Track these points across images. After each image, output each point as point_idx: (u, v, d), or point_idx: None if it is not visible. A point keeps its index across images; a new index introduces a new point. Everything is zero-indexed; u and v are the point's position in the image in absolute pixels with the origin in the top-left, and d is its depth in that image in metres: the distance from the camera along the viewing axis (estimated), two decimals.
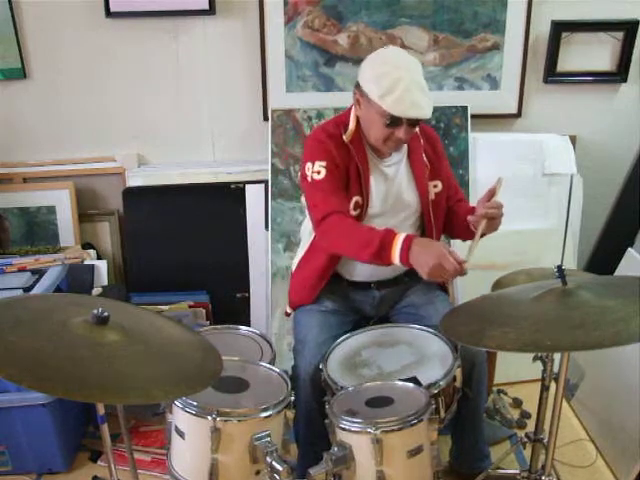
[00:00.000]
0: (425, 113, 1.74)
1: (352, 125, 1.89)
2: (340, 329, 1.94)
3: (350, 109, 1.92)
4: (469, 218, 1.83)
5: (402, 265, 1.70)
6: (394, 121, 1.76)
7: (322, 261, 1.95)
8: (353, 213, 1.88)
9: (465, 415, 1.92)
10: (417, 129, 1.93)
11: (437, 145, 2.02)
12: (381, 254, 1.70)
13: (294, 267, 2.11)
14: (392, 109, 1.73)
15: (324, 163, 1.85)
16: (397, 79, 1.71)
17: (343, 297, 2.02)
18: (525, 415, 2.46)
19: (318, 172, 1.85)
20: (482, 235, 1.81)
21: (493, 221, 1.82)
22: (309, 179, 1.87)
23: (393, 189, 1.94)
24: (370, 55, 1.85)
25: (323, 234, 1.85)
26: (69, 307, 1.42)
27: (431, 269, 1.63)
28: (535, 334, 1.35)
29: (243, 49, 2.63)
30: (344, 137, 1.88)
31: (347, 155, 1.87)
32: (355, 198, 1.87)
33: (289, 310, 2.11)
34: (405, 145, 1.95)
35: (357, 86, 1.83)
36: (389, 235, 1.71)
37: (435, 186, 1.98)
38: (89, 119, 2.71)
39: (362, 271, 1.98)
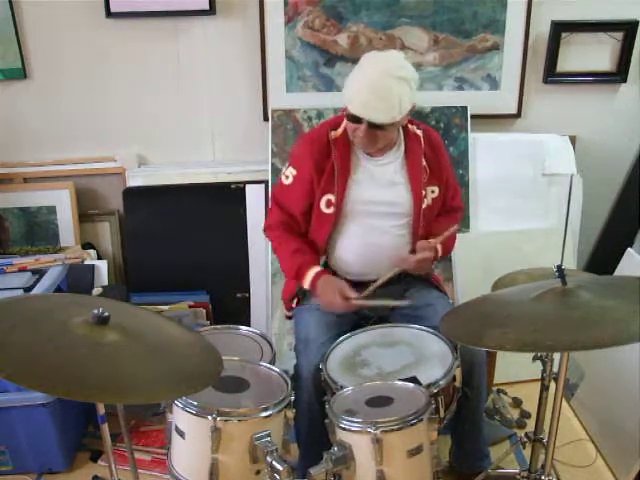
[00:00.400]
0: (374, 116, 1.77)
1: (343, 124, 1.92)
2: (340, 328, 1.94)
3: None
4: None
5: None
6: (352, 117, 1.81)
7: None
8: (326, 211, 1.92)
9: (465, 415, 1.92)
10: (420, 131, 1.95)
11: (439, 151, 2.01)
12: (296, 280, 1.97)
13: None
14: (347, 103, 1.80)
15: (295, 172, 1.96)
16: (360, 78, 1.79)
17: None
18: (525, 415, 2.47)
19: (287, 177, 1.98)
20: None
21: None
22: (279, 177, 2.02)
23: (383, 191, 1.94)
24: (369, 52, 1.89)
25: (268, 239, 2.08)
26: (69, 307, 1.42)
27: (325, 304, 1.89)
28: (535, 334, 1.36)
29: (243, 49, 2.63)
30: (331, 134, 1.92)
31: (328, 154, 1.92)
32: (327, 196, 1.92)
33: (288, 313, 2.12)
34: (402, 146, 1.96)
35: None
36: (302, 268, 1.92)
37: (432, 192, 1.98)
38: (89, 119, 2.71)
39: (355, 269, 2.00)
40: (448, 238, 1.96)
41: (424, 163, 1.96)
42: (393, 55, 1.87)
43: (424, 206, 1.95)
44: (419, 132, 1.97)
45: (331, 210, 1.92)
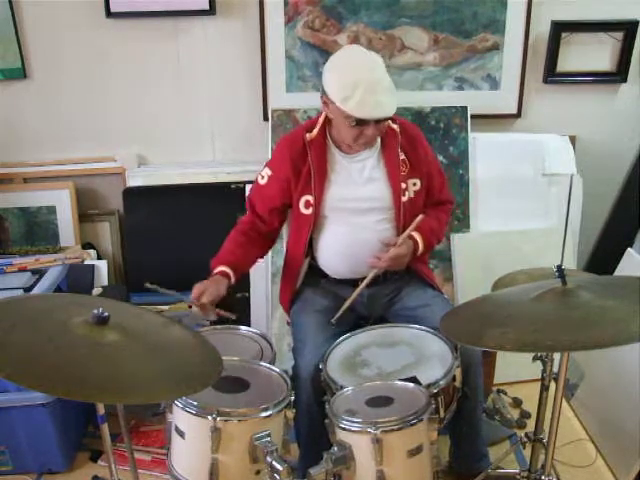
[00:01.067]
0: (388, 112, 1.79)
1: (318, 125, 1.94)
2: (338, 329, 1.94)
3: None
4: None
5: None
6: (360, 122, 1.79)
7: (289, 258, 2.06)
8: (305, 212, 1.95)
9: (462, 416, 1.92)
10: (396, 125, 1.95)
11: (417, 143, 2.00)
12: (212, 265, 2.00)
13: (280, 277, 2.18)
14: (355, 112, 1.76)
15: (270, 173, 1.99)
16: (357, 81, 1.74)
17: (334, 296, 2.03)
18: (525, 415, 2.46)
19: (263, 177, 2.01)
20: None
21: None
22: (257, 176, 2.04)
23: (362, 188, 1.95)
24: (331, 58, 1.87)
25: None
26: (69, 307, 1.42)
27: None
28: (535, 334, 1.35)
29: (243, 49, 2.63)
30: (307, 136, 1.94)
31: (304, 156, 1.93)
32: (305, 197, 1.94)
33: (289, 319, 2.12)
34: (378, 141, 1.95)
35: (322, 89, 1.86)
36: (213, 263, 1.98)
37: (414, 184, 1.98)
38: (89, 119, 2.71)
39: (342, 268, 2.00)
40: (429, 232, 1.98)
41: (402, 156, 1.95)
42: (358, 48, 1.89)
43: (405, 199, 1.94)
44: (395, 126, 1.96)
45: (310, 211, 1.94)
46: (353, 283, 2.00)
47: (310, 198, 1.93)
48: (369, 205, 1.95)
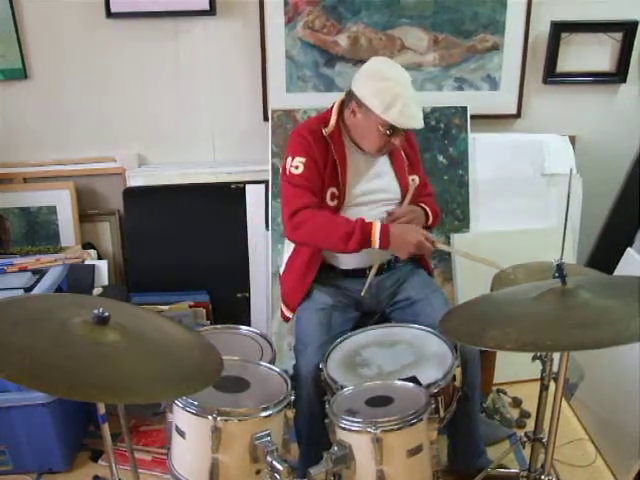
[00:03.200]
0: (421, 123, 1.90)
1: (333, 121, 1.99)
2: (341, 327, 1.95)
3: (332, 107, 2.02)
4: None
5: (381, 249, 1.88)
6: (393, 131, 1.88)
7: (308, 254, 2.03)
8: (331, 204, 1.97)
9: (459, 414, 1.92)
10: None
11: (414, 144, 2.13)
12: (363, 242, 1.87)
13: (282, 269, 2.18)
14: (395, 122, 1.85)
15: (303, 159, 1.95)
16: (397, 94, 1.84)
17: (339, 290, 2.04)
18: (524, 414, 2.47)
19: (296, 167, 1.95)
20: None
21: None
22: (287, 172, 1.97)
23: (373, 181, 2.03)
24: (366, 68, 1.93)
25: (295, 229, 1.92)
26: (69, 307, 1.42)
27: (415, 245, 1.85)
28: (535, 334, 1.36)
29: (243, 49, 2.63)
30: (324, 131, 1.98)
31: (326, 148, 1.97)
32: (331, 189, 1.97)
33: (289, 314, 2.11)
34: None
35: (353, 97, 1.91)
36: (366, 225, 1.87)
37: (413, 180, 2.08)
38: (89, 119, 2.71)
39: (352, 258, 2.01)
40: (434, 209, 2.11)
41: (403, 154, 2.07)
42: (393, 62, 1.98)
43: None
44: None
45: (335, 203, 1.98)
46: (361, 273, 2.02)
47: (335, 190, 1.97)
48: (380, 197, 2.02)
